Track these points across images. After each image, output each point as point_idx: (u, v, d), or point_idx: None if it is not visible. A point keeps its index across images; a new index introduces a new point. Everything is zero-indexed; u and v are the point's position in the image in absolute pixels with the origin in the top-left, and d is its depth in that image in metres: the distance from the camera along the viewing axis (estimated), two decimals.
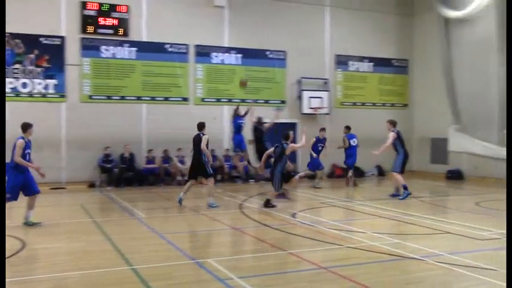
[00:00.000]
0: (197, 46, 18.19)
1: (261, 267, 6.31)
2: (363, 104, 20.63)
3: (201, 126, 11.71)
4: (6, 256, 6.77)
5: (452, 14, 18.64)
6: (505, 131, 16.52)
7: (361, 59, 20.63)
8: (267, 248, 7.45)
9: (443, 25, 19.18)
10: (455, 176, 18.67)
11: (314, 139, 15.72)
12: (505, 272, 5.91)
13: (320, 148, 15.79)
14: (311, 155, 15.79)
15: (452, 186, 17.08)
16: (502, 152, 16.65)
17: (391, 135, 12.97)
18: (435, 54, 19.68)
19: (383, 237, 7.99)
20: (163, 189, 15.75)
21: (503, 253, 7.06)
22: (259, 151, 13.39)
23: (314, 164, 15.85)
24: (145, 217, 10.42)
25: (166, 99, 17.82)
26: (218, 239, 8.53)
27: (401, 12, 21.26)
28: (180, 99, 18.00)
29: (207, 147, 11.58)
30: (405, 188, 12.72)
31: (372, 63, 20.81)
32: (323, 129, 16.15)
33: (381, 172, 19.78)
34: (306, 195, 13.94)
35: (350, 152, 15.95)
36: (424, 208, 11.51)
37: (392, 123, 13.26)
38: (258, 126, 14.05)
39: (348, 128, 16.23)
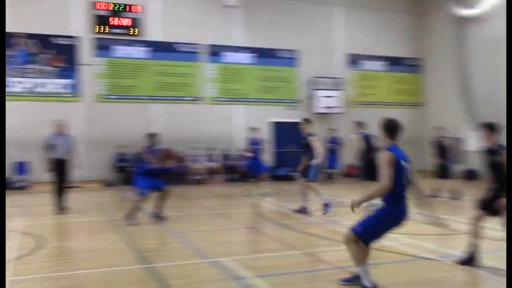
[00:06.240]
0: (210, 46, 18.24)
1: (277, 267, 6.29)
2: (374, 103, 20.46)
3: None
4: (27, 253, 6.85)
5: (465, 12, 18.49)
6: None
7: (374, 58, 20.53)
8: (283, 248, 7.45)
9: (456, 24, 19.03)
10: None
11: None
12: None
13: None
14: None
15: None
16: None
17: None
18: (448, 53, 19.50)
19: (398, 237, 7.88)
20: (178, 188, 15.74)
21: None
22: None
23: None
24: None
25: (178, 98, 17.89)
26: (234, 238, 8.53)
27: (413, 11, 21.11)
28: (192, 98, 18.06)
29: None
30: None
31: (384, 62, 20.70)
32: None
33: None
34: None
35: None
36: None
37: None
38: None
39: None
